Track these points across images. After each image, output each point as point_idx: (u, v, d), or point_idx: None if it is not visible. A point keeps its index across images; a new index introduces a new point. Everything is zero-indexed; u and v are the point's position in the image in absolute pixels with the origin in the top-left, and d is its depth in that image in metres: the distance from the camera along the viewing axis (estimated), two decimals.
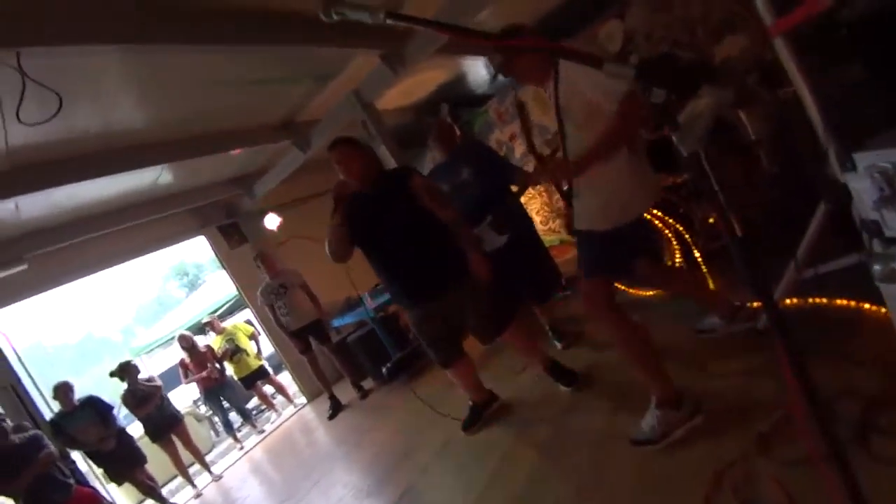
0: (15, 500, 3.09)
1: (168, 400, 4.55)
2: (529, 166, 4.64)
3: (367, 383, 4.56)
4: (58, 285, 4.14)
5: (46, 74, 1.86)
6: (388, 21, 1.21)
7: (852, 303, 1.80)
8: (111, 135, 2.89)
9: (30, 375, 4.03)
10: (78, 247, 3.94)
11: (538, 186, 4.65)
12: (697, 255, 2.87)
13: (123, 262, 4.63)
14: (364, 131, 3.82)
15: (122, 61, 2.27)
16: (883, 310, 1.65)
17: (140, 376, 4.42)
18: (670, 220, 2.95)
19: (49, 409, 4.01)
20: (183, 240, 5.15)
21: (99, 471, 4.02)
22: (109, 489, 4.30)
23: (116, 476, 3.98)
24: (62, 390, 3.78)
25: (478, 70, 5.09)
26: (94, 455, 3.85)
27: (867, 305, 1.75)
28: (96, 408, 3.85)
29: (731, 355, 2.00)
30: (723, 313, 2.16)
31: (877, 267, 0.76)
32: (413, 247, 2.31)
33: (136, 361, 4.91)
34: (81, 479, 3.52)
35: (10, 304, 3.89)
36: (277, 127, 4.12)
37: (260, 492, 3.75)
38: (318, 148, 4.27)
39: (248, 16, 2.41)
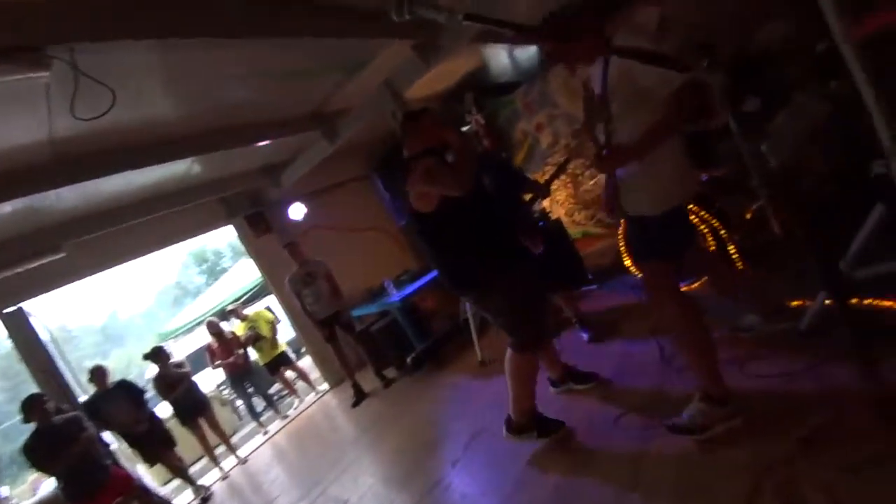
0: (56, 478, 3.22)
1: (196, 384, 4.67)
2: (556, 157, 4.60)
3: (390, 372, 4.61)
4: (93, 273, 4.26)
5: (94, 70, 1.89)
6: (466, 22, 1.20)
7: None
8: (146, 128, 2.94)
9: (63, 358, 4.18)
10: (112, 236, 4.02)
11: (562, 178, 4.58)
12: (733, 250, 2.83)
13: (155, 250, 4.74)
14: (393, 121, 3.82)
15: (161, 55, 2.28)
16: None
17: (171, 361, 4.54)
18: (706, 215, 2.90)
19: (81, 391, 4.16)
20: (212, 229, 5.25)
21: (129, 451, 4.16)
22: (138, 469, 4.47)
23: (149, 457, 4.12)
24: (98, 373, 3.91)
25: (500, 58, 5.02)
26: (127, 437, 3.98)
27: None
28: (129, 391, 3.98)
29: (770, 356, 1.96)
30: (763, 310, 2.13)
31: None
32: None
33: (165, 346, 5.01)
34: (116, 461, 3.66)
35: (47, 291, 4.01)
36: (306, 117, 4.13)
37: (287, 476, 3.82)
38: (349, 137, 4.29)
39: (282, 6, 2.40)
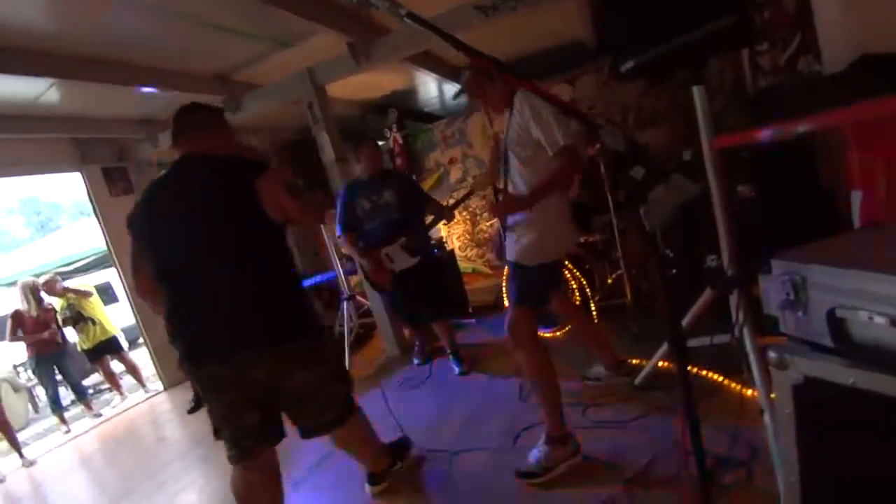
0: None
1: None
2: (459, 193, 4.81)
3: None
4: None
5: None
6: (407, 20, 1.20)
7: (715, 374, 2.13)
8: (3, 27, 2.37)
9: None
10: None
11: (462, 213, 4.81)
12: (593, 307, 3.21)
13: None
14: (308, 114, 3.64)
15: None
16: (735, 384, 2.01)
17: None
18: (577, 272, 3.26)
19: None
20: (56, 171, 4.34)
21: None
22: None
23: None
24: None
25: (429, 88, 5.19)
26: None
27: (726, 379, 2.08)
28: None
29: (610, 404, 2.23)
30: (608, 363, 2.42)
31: (772, 354, 0.93)
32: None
33: None
34: None
35: None
36: (208, 78, 3.73)
37: (86, 487, 3.15)
38: (251, 113, 3.95)
39: None
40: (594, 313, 3.22)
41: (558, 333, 3.26)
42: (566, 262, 3.22)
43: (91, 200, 4.55)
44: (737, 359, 1.77)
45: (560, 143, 1.64)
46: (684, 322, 2.00)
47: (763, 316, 1.10)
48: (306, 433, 1.65)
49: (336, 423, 1.68)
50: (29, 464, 3.69)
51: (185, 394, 4.01)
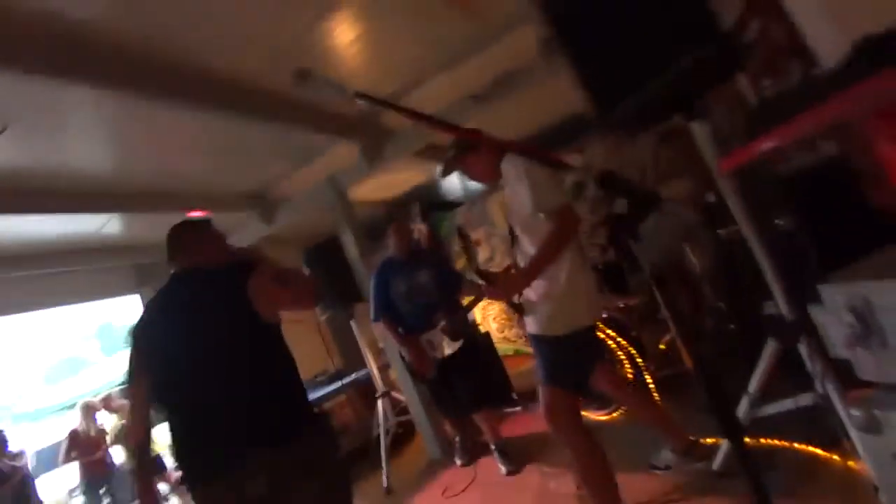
0: None
1: (32, 484, 3.71)
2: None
3: None
4: None
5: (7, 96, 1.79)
6: (357, 100, 1.25)
7: (807, 447, 1.72)
8: (64, 175, 2.76)
9: None
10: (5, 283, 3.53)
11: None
12: (649, 380, 2.82)
13: (51, 307, 4.16)
14: (333, 217, 3.86)
15: (96, 102, 2.23)
16: (836, 457, 1.59)
17: (7, 449, 3.64)
18: (623, 342, 2.93)
19: None
20: (117, 295, 4.73)
21: None
22: None
23: None
24: None
25: (451, 178, 5.42)
26: None
27: (822, 451, 1.67)
28: None
29: (688, 498, 1.84)
30: (677, 447, 2.03)
31: (855, 413, 0.69)
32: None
33: (9, 430, 4.03)
34: None
35: None
36: (244, 197, 4.09)
37: None
38: (283, 225, 4.23)
39: (237, 87, 2.49)
40: (652, 388, 2.82)
41: (615, 415, 2.87)
42: (609, 332, 2.93)
43: None
44: (831, 423, 1.42)
45: (551, 204, 1.56)
46: (753, 385, 1.69)
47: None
48: None
49: None
50: None
51: None
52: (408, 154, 3.61)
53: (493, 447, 2.93)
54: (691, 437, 2.03)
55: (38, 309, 4.19)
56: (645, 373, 2.84)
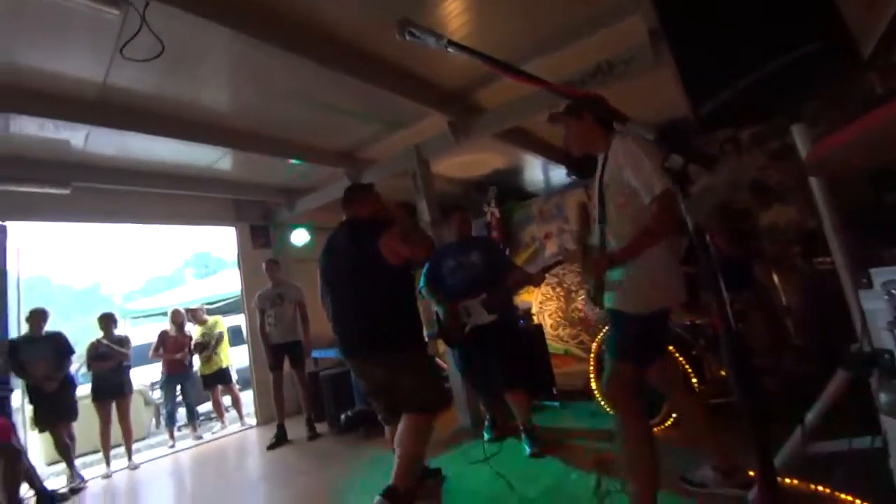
0: None
1: (127, 369, 4.39)
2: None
3: (322, 427, 4.26)
4: (89, 220, 4.40)
5: (163, 29, 2.12)
6: (449, 49, 1.32)
7: (851, 498, 1.56)
8: (194, 106, 3.18)
9: (18, 296, 4.06)
10: (120, 194, 4.19)
11: (556, 289, 4.61)
12: (700, 400, 2.66)
13: (156, 223, 4.86)
14: (412, 183, 4.03)
15: (230, 46, 2.55)
16: None
17: (114, 333, 4.36)
18: (681, 359, 2.78)
19: (18, 332, 3.97)
20: (215, 224, 5.38)
21: (28, 411, 3.83)
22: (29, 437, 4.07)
23: (42, 421, 3.76)
24: (35, 316, 3.78)
25: (534, 168, 5.38)
26: (33, 391, 3.70)
27: None
28: (58, 345, 3.79)
29: None
30: (721, 466, 1.93)
31: (883, 397, 0.67)
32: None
33: (117, 317, 4.81)
34: (7, 410, 3.34)
35: (40, 220, 4.09)
36: (338, 154, 4.42)
37: (165, 497, 3.43)
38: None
39: (349, 47, 2.71)
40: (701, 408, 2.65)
41: (657, 428, 2.75)
42: (668, 347, 2.80)
43: (238, 251, 5.48)
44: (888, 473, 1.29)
45: (656, 188, 1.54)
46: (810, 417, 1.56)
47: None
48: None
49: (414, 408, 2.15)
50: (133, 467, 4.16)
51: (272, 431, 4.23)
52: (492, 131, 3.65)
53: (521, 427, 2.96)
54: (737, 463, 1.92)
55: (148, 223, 4.93)
56: (698, 394, 2.69)
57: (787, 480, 1.68)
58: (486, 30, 2.72)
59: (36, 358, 3.64)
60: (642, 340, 1.70)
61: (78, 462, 4.10)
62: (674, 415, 2.58)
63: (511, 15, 2.64)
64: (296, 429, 4.25)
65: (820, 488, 1.68)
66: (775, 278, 2.81)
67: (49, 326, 3.90)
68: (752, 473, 1.89)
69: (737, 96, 1.26)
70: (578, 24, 2.72)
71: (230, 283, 8.78)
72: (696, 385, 2.71)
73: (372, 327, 2.15)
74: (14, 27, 2.18)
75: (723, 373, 2.88)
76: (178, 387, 5.10)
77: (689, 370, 2.76)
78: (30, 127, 3.04)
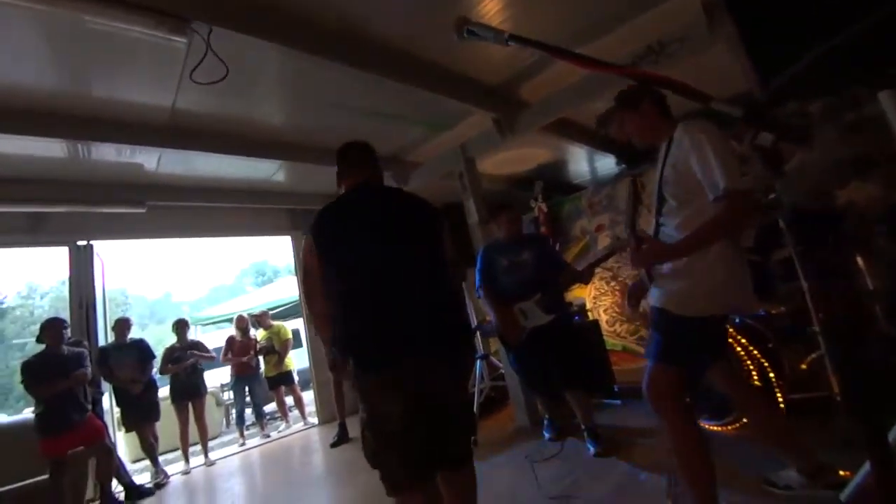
0: (36, 404, 3.28)
1: (201, 371, 4.72)
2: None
3: None
4: (162, 237, 4.75)
5: (223, 52, 2.25)
6: (510, 43, 1.31)
7: None
8: (251, 123, 3.37)
9: (104, 306, 4.47)
10: (189, 210, 4.52)
11: (610, 284, 4.45)
12: (780, 399, 2.48)
13: (220, 236, 5.20)
14: (458, 183, 4.04)
15: (284, 63, 2.67)
16: None
17: (189, 337, 4.69)
18: (755, 352, 2.61)
19: (105, 340, 4.37)
20: (273, 234, 5.68)
21: (116, 413, 4.20)
22: (118, 435, 4.46)
23: (130, 422, 4.12)
24: (120, 324, 4.14)
25: (580, 160, 5.24)
26: (119, 394, 4.05)
27: None
28: (141, 350, 4.13)
29: None
30: (804, 468, 1.79)
31: None
32: None
33: (189, 322, 5.18)
34: (99, 412, 3.69)
35: (117, 238, 4.47)
36: (384, 159, 4.50)
37: (240, 492, 3.62)
38: (414, 187, 4.57)
39: (392, 53, 2.76)
40: (781, 408, 2.48)
41: (729, 428, 2.60)
42: (739, 338, 2.64)
43: (295, 259, 5.74)
44: None
45: (721, 185, 1.43)
46: None
47: None
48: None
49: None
50: (210, 463, 4.46)
51: (333, 430, 4.39)
52: (538, 125, 3.59)
53: (583, 427, 2.89)
54: (823, 462, 1.77)
55: (214, 236, 5.29)
56: (775, 389, 2.51)
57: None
58: (526, 23, 2.67)
59: (122, 363, 3.99)
60: (689, 345, 1.59)
61: (160, 459, 4.45)
62: (744, 420, 2.42)
63: (551, 5, 2.58)
64: (356, 427, 4.36)
65: None
66: (859, 261, 2.55)
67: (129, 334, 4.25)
68: (843, 473, 1.74)
69: (811, 66, 1.16)
70: (625, 6, 2.62)
71: (287, 290, 9.25)
72: (773, 379, 2.53)
73: (446, 316, 1.65)
74: (90, 61, 2.39)
75: (803, 366, 2.67)
76: (247, 388, 5.41)
77: (766, 364, 2.58)
78: (109, 153, 3.34)
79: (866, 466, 1.55)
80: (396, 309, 1.53)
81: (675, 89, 1.01)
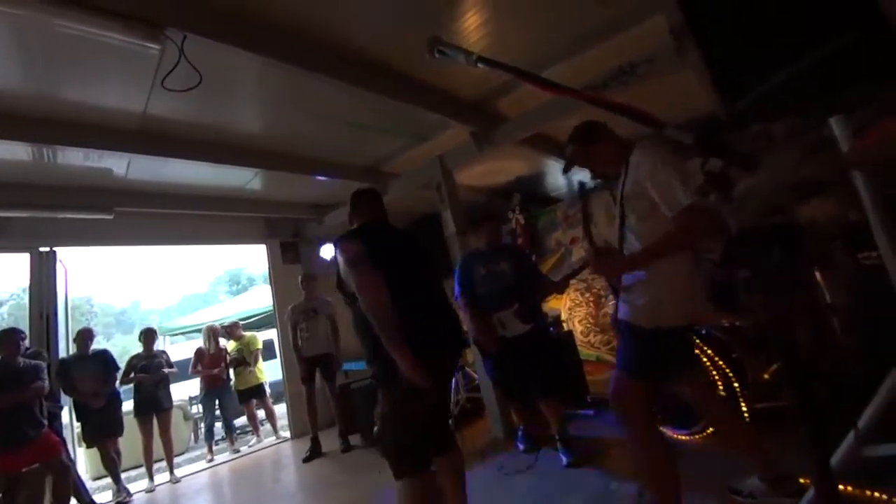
0: None
1: (168, 384, 4.55)
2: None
3: (355, 439, 4.29)
4: (130, 244, 4.62)
5: (198, 59, 2.23)
6: (479, 64, 1.35)
7: None
8: (227, 130, 3.32)
9: (67, 315, 4.29)
10: (158, 217, 4.39)
11: (584, 295, 4.54)
12: (743, 407, 2.57)
13: (192, 243, 5.05)
14: (436, 194, 4.07)
15: (262, 72, 2.66)
16: None
17: (155, 347, 4.54)
18: (721, 363, 2.70)
19: (67, 352, 4.19)
20: (248, 242, 5.56)
21: (77, 428, 4.01)
22: (78, 452, 4.25)
23: (91, 437, 3.93)
24: (83, 336, 3.97)
25: (556, 173, 5.35)
26: (80, 408, 3.87)
27: None
28: (104, 362, 3.96)
29: None
30: (766, 476, 1.86)
31: None
32: None
33: (157, 333, 5.01)
34: (56, 427, 3.51)
35: (86, 244, 4.33)
36: (363, 169, 4.51)
37: None
38: (393, 198, 4.58)
39: (372, 65, 2.79)
40: (745, 415, 2.56)
41: (696, 437, 2.66)
42: (705, 348, 2.73)
43: (270, 267, 5.63)
44: None
45: (682, 202, 1.49)
46: (864, 420, 1.49)
47: None
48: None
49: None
50: (175, 480, 4.29)
51: (306, 444, 4.29)
52: (515, 139, 3.67)
53: (556, 437, 2.91)
54: (783, 471, 1.84)
55: (185, 243, 5.14)
56: (739, 399, 2.59)
57: (841, 486, 1.61)
58: (506, 40, 2.75)
59: (84, 375, 3.82)
60: (657, 357, 1.65)
61: (122, 476, 4.25)
62: (710, 429, 2.49)
63: (529, 24, 2.66)
64: (329, 441, 4.30)
65: (876, 494, 1.59)
66: (817, 276, 2.69)
67: (92, 345, 4.08)
68: (802, 481, 1.81)
69: (773, 90, 1.23)
70: (598, 28, 2.72)
71: (261, 299, 9.04)
72: (738, 389, 2.62)
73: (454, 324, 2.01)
74: (60, 65, 2.33)
75: (766, 376, 2.77)
76: (217, 401, 5.24)
77: (731, 374, 2.67)
78: (76, 157, 3.24)
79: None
80: (431, 316, 1.90)
81: (631, 116, 1.06)
